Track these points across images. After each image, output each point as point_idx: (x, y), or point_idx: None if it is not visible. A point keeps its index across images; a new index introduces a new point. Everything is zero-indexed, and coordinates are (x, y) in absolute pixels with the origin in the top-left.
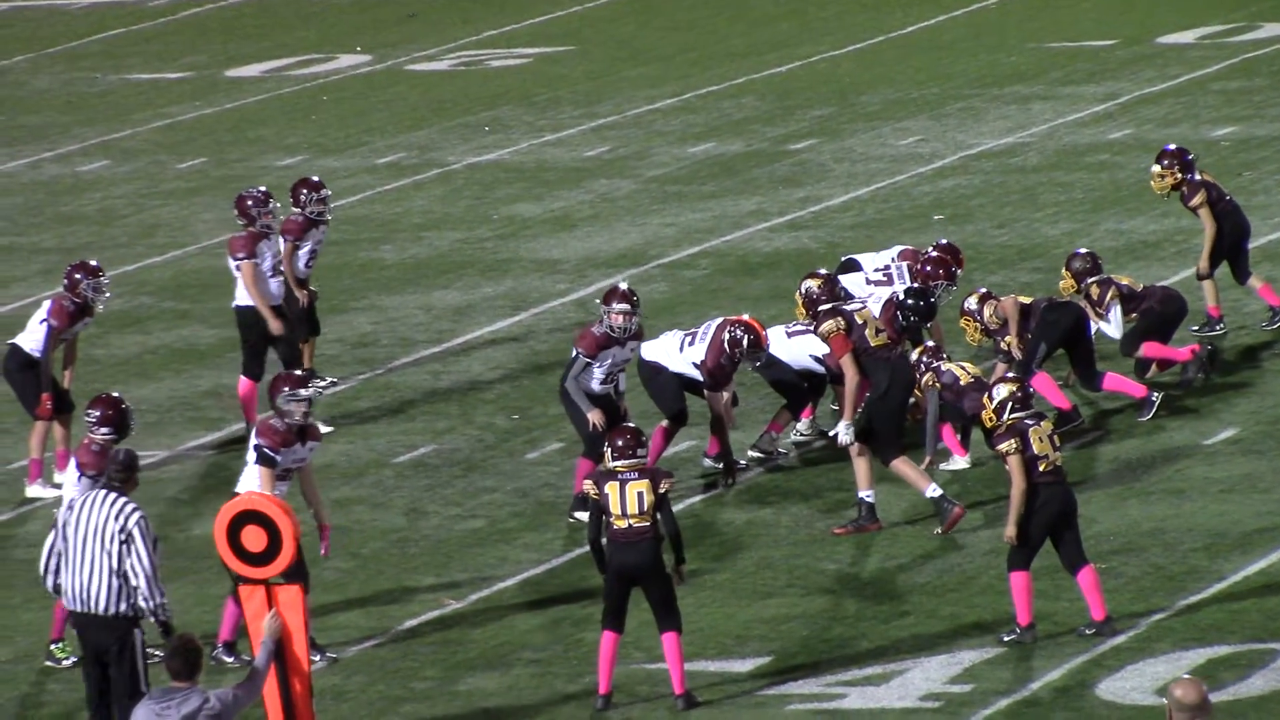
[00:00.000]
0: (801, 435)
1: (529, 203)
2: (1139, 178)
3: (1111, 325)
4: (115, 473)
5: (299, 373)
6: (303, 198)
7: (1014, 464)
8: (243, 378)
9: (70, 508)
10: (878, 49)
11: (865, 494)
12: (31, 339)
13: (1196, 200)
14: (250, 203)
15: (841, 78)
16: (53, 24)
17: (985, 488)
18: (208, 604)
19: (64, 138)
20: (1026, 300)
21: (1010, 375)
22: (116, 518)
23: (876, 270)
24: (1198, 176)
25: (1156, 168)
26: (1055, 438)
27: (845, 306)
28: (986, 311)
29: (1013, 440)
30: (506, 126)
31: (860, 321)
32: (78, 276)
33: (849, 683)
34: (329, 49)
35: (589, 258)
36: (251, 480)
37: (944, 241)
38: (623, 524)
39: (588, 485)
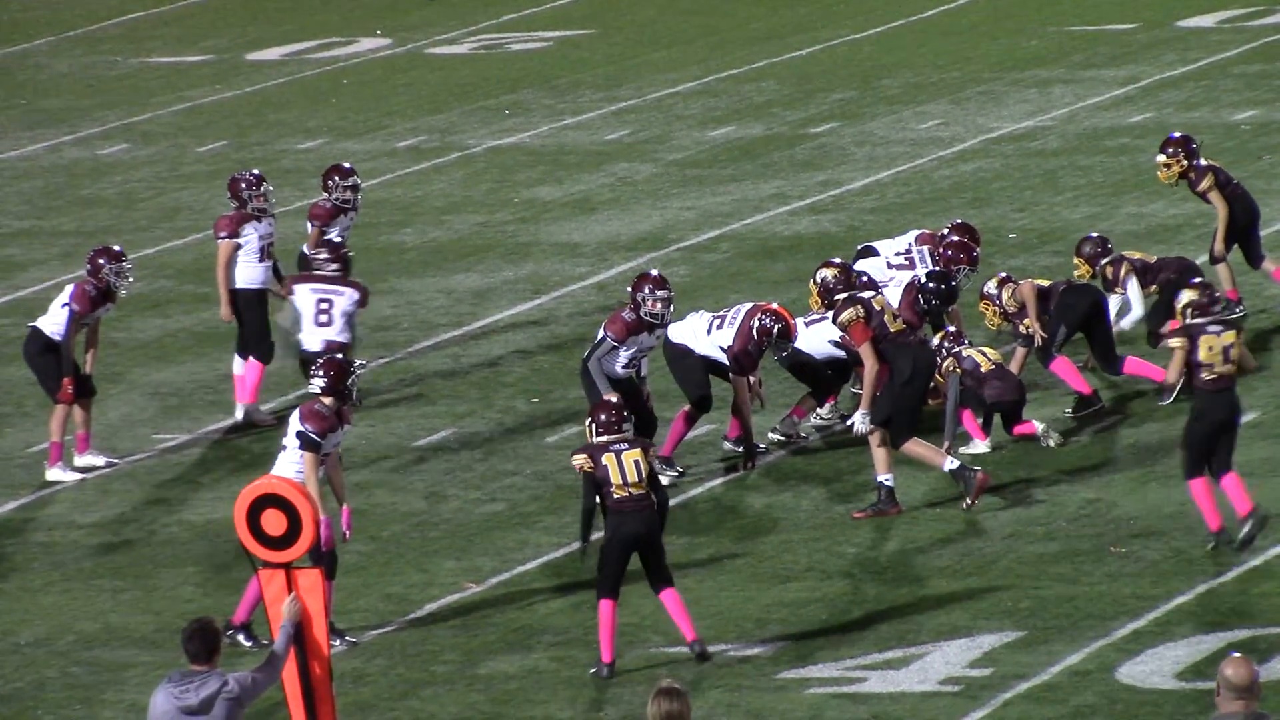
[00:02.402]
0: (823, 419)
1: (549, 186)
2: None
3: (1133, 301)
4: None
5: (339, 359)
6: (331, 183)
7: (1176, 358)
8: (250, 360)
9: None
10: (898, 32)
11: (884, 478)
12: (53, 322)
13: (1205, 184)
14: (243, 184)
15: (862, 61)
16: (73, 7)
17: (1005, 472)
18: (228, 588)
19: (84, 121)
20: (1045, 284)
21: (1196, 281)
22: None
23: (896, 254)
24: (1202, 162)
25: (1161, 157)
26: (1232, 349)
27: (861, 294)
28: (1005, 295)
29: (1183, 340)
30: (527, 110)
31: (878, 308)
32: (101, 261)
33: (869, 666)
34: (349, 32)
35: (609, 241)
36: (289, 465)
37: (959, 222)
38: (624, 493)
39: (580, 459)
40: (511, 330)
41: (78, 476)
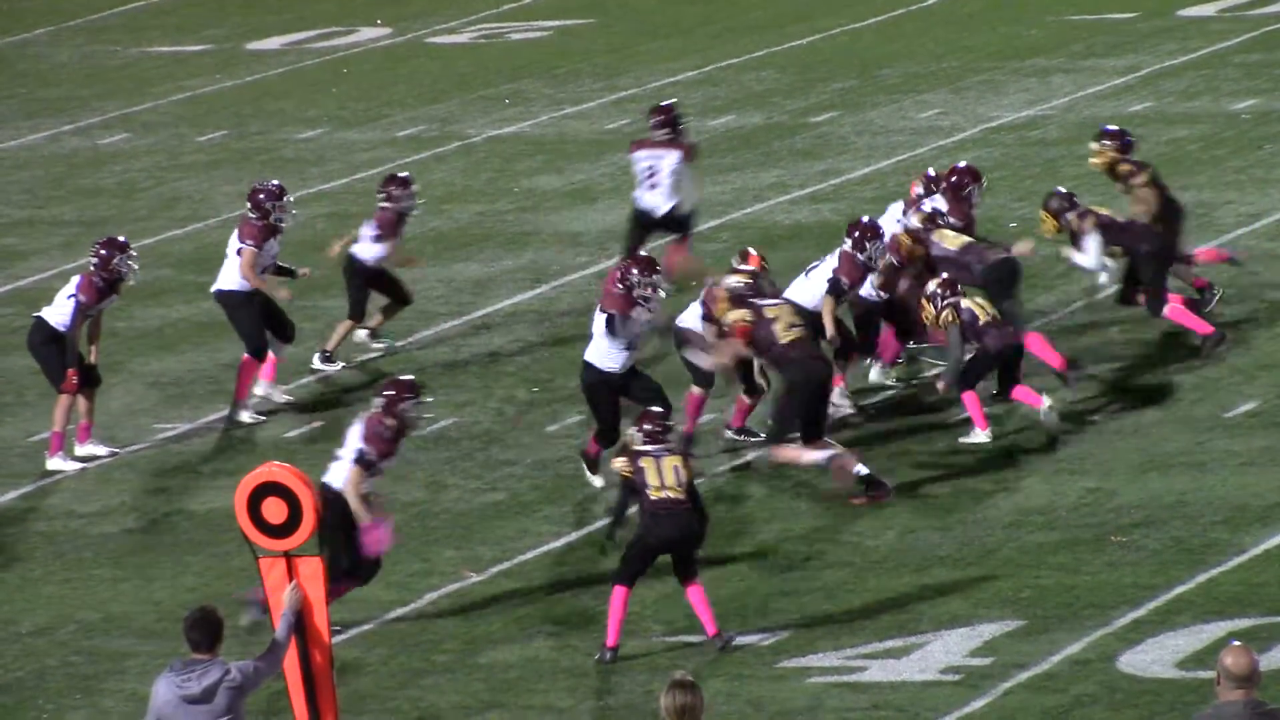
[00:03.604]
0: (833, 404)
1: (550, 175)
2: (1160, 150)
3: (1089, 255)
4: None
5: (413, 379)
6: (395, 193)
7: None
8: (245, 358)
9: None
10: (898, 21)
11: (858, 469)
12: (58, 313)
13: (1141, 179)
14: (263, 195)
15: (862, 50)
16: None
17: (1005, 460)
18: (229, 576)
19: (84, 111)
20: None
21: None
22: None
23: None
24: (1136, 159)
25: (1094, 145)
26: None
27: (761, 301)
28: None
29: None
30: (527, 99)
31: (770, 317)
32: (110, 253)
33: (869, 655)
34: (349, 22)
35: (610, 230)
36: (339, 474)
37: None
38: (661, 495)
39: (620, 463)
40: (512, 319)
41: (78, 466)
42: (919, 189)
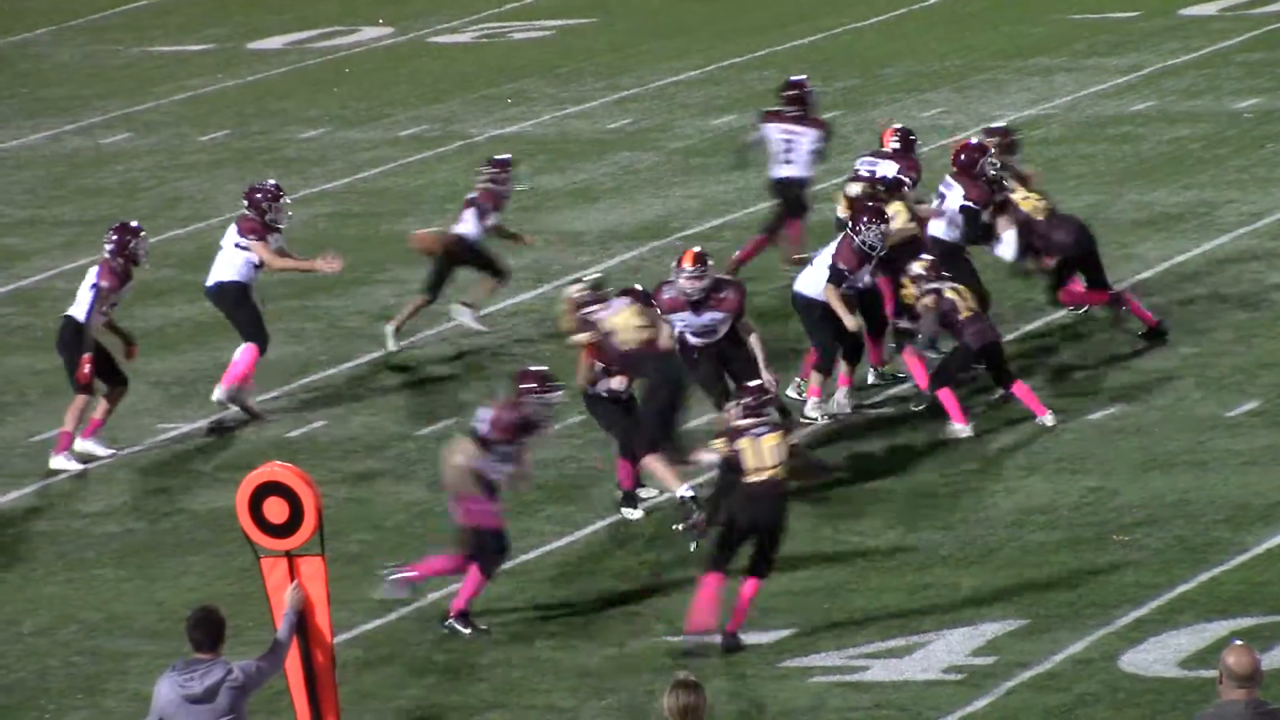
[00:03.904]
0: (840, 403)
1: (552, 175)
2: (1162, 149)
3: (1008, 245)
4: None
5: (544, 370)
6: (498, 175)
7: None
8: (251, 346)
9: None
10: (901, 21)
11: (681, 492)
12: (83, 308)
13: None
14: (260, 195)
15: (865, 49)
16: None
17: (1006, 459)
18: (229, 576)
19: (86, 110)
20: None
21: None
22: None
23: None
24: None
25: (974, 140)
26: None
27: (599, 316)
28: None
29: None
30: (529, 99)
31: (609, 329)
32: (123, 237)
33: (872, 655)
34: (351, 21)
35: (611, 230)
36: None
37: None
38: (758, 477)
39: (719, 444)
40: (514, 319)
41: (79, 467)
42: (893, 143)
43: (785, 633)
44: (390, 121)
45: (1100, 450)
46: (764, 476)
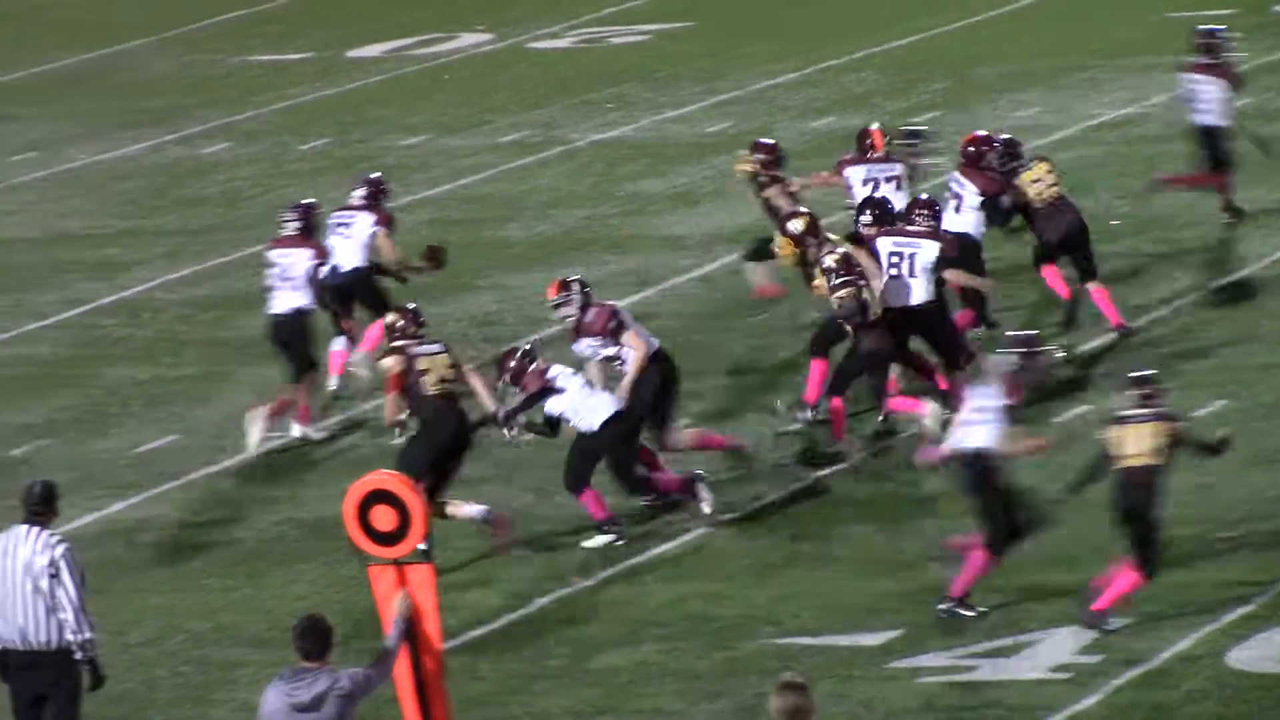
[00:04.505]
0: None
1: (652, 179)
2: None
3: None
4: (34, 505)
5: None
6: (917, 146)
7: None
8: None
9: None
10: (996, 21)
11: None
12: (292, 299)
13: (772, 191)
14: (384, 189)
15: (961, 50)
16: (174, 7)
17: None
18: (338, 585)
19: (186, 120)
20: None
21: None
22: (42, 552)
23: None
24: (783, 174)
25: (743, 152)
26: None
27: (417, 348)
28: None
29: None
30: (628, 103)
31: (422, 368)
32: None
33: (979, 654)
34: (450, 28)
35: (713, 233)
36: (980, 437)
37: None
38: (1131, 463)
39: (1104, 432)
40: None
41: (315, 435)
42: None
43: (893, 633)
44: (490, 128)
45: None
46: (1135, 464)
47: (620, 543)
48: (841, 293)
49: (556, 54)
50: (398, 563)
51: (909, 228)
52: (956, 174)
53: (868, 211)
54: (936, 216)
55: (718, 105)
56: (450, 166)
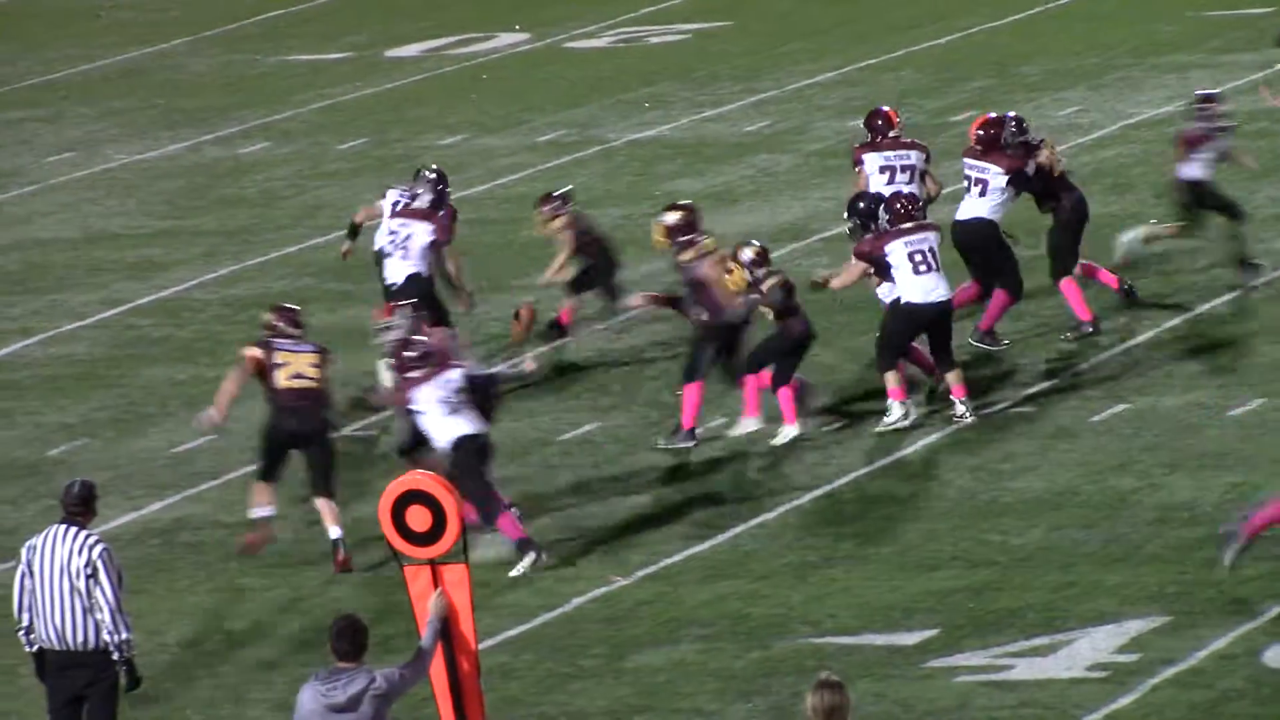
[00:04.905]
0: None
1: (690, 178)
2: None
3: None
4: (72, 505)
5: None
6: (1208, 110)
7: None
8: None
9: (32, 546)
10: (1035, 20)
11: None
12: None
13: (560, 223)
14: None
15: (1000, 49)
16: (212, 6)
17: (1148, 455)
18: (375, 585)
19: (224, 120)
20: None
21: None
22: (80, 552)
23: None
24: (568, 208)
25: (543, 210)
26: None
27: (282, 342)
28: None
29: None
30: (666, 103)
31: (279, 361)
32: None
33: (1016, 654)
34: (488, 28)
35: (751, 232)
36: None
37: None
38: None
39: None
40: (656, 323)
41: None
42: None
43: (929, 633)
44: (528, 127)
45: (1242, 446)
46: None
47: (543, 562)
48: (770, 281)
49: (594, 53)
50: (433, 563)
51: (925, 222)
52: (970, 160)
53: (894, 206)
54: (923, 211)
55: (756, 104)
56: (488, 166)
